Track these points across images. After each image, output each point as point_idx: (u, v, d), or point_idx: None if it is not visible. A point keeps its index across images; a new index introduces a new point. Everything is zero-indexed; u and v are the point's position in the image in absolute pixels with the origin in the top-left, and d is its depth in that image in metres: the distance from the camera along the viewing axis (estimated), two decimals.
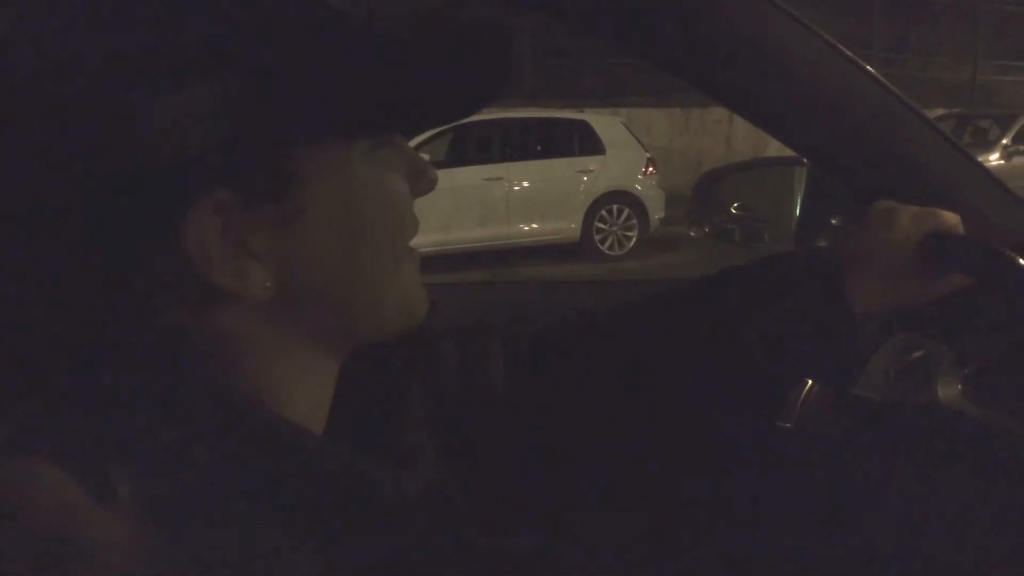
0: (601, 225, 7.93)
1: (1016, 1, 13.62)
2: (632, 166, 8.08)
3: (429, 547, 0.43)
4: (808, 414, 0.87)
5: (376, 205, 0.45)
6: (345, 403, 0.50)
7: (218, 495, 0.37)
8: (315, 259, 0.43)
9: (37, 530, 0.32)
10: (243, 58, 0.39)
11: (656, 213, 8.07)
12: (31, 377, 0.39)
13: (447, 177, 7.03)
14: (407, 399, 0.56)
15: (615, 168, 7.98)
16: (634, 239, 8.00)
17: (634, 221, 7.99)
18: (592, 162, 7.94)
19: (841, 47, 0.77)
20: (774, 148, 0.96)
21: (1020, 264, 0.63)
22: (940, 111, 11.15)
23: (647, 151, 8.28)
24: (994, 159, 9.57)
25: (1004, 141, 9.97)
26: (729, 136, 11.68)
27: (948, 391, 0.76)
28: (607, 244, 7.96)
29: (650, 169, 8.11)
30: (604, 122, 8.35)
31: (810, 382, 0.88)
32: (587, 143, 7.99)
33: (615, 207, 7.95)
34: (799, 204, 1.14)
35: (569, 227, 7.85)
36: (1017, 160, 9.67)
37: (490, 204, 7.57)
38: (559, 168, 7.88)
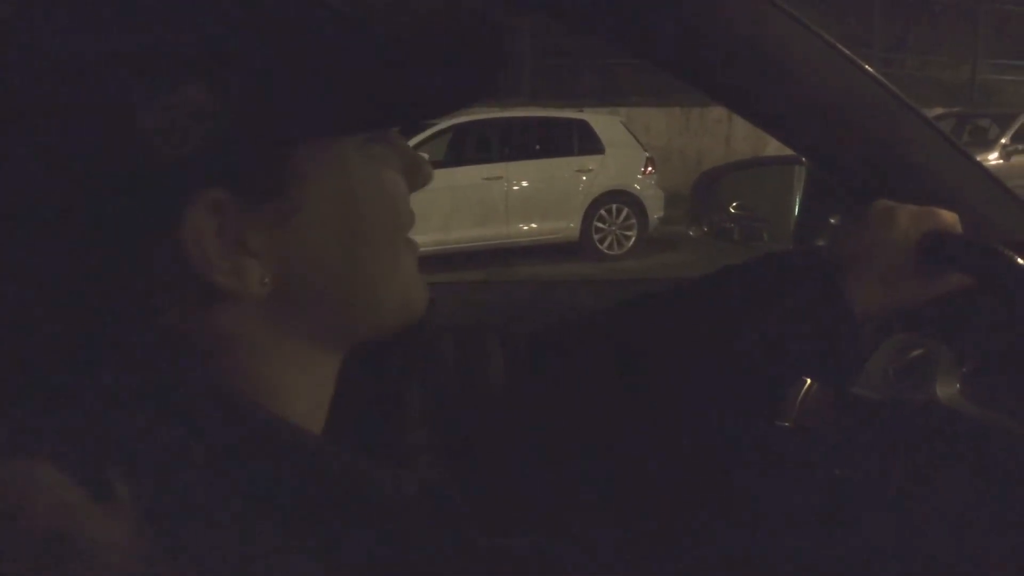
0: (600, 224, 7.93)
1: (1016, 1, 13.62)
2: (631, 165, 8.08)
3: (429, 547, 0.43)
4: (807, 413, 0.87)
5: (373, 201, 0.45)
6: (344, 403, 0.50)
7: (218, 495, 0.37)
8: (313, 256, 0.43)
9: (37, 530, 0.32)
10: (242, 58, 0.39)
11: (655, 212, 8.07)
12: (31, 377, 0.39)
13: (446, 177, 7.05)
14: (406, 399, 0.56)
15: (614, 168, 7.98)
16: (633, 238, 8.01)
17: (633, 220, 7.99)
18: (591, 162, 7.94)
19: (841, 47, 0.78)
20: (774, 148, 0.96)
21: (1019, 263, 0.63)
22: (939, 110, 11.16)
23: (646, 150, 8.29)
24: (993, 158, 9.57)
25: (1003, 140, 9.97)
26: (728, 136, 11.68)
27: (947, 390, 0.76)
28: (606, 243, 7.96)
29: (649, 169, 8.12)
30: (603, 122, 8.36)
31: (809, 381, 0.88)
32: (586, 143, 8.00)
33: (614, 206, 7.95)
34: (798, 203, 1.14)
35: (568, 226, 7.86)
36: (1016, 159, 9.67)
37: (489, 204, 7.57)
38: (558, 168, 7.88)
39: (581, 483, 0.90)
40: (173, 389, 0.39)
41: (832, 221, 1.07)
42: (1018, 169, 8.82)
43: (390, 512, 0.42)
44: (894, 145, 0.80)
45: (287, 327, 0.44)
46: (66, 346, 0.40)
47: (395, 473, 0.45)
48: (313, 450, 0.42)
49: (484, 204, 7.54)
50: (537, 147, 8.02)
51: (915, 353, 0.80)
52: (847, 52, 0.78)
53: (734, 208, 1.31)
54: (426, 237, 6.57)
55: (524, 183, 7.71)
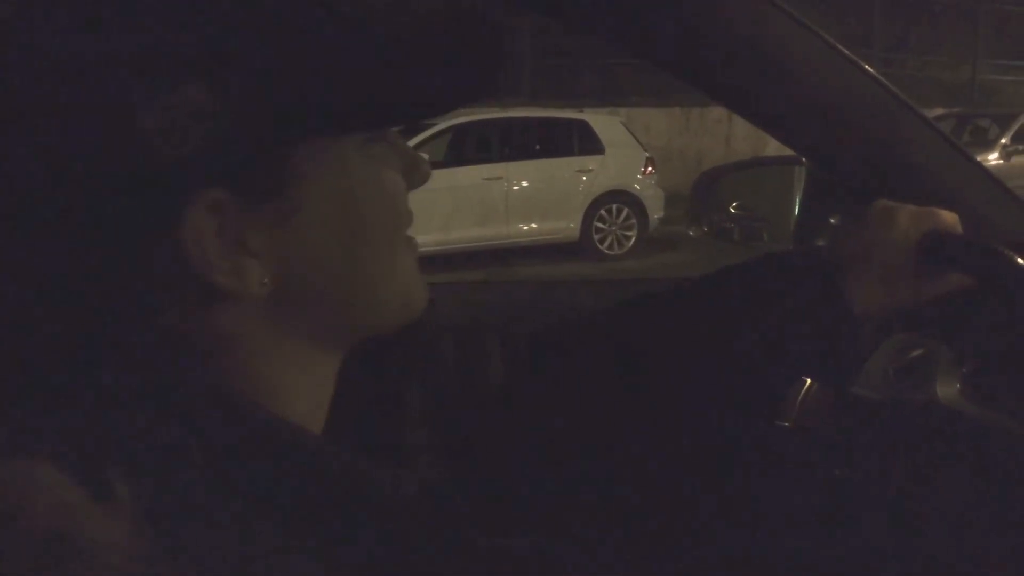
0: (600, 225, 7.93)
1: (1016, 1, 13.62)
2: (631, 166, 8.08)
3: (429, 547, 0.43)
4: (807, 413, 0.87)
5: (372, 200, 0.45)
6: (344, 403, 0.50)
7: (217, 495, 0.37)
8: (313, 256, 0.43)
9: (37, 530, 0.32)
10: (242, 58, 0.39)
11: (655, 212, 8.08)
12: (31, 377, 0.39)
13: (446, 177, 7.05)
14: (406, 399, 0.56)
15: (614, 168, 7.99)
16: (633, 238, 8.01)
17: (633, 221, 7.99)
18: (591, 162, 7.94)
19: (841, 47, 0.78)
20: (774, 147, 0.96)
21: (1018, 264, 0.63)
22: (940, 111, 11.16)
23: (646, 150, 8.29)
24: (993, 159, 9.57)
25: (1003, 141, 9.97)
26: (729, 136, 11.68)
27: (947, 390, 0.76)
28: (606, 244, 7.96)
29: (649, 169, 8.12)
30: (603, 122, 8.36)
31: (809, 381, 0.88)
32: (586, 143, 8.00)
33: (614, 207, 7.95)
34: (798, 203, 1.14)
35: (568, 227, 7.86)
36: (1016, 159, 9.67)
37: (489, 204, 7.57)
38: (558, 168, 7.88)
39: (581, 483, 0.90)
40: (173, 389, 0.39)
41: (832, 221, 1.07)
42: (1018, 169, 8.82)
43: (390, 512, 0.42)
44: (894, 145, 0.80)
45: (287, 327, 0.44)
46: (66, 346, 0.40)
47: (395, 473, 0.45)
48: (313, 450, 0.42)
49: (484, 204, 7.54)
50: (537, 147, 8.03)
51: (915, 353, 0.80)
52: (847, 52, 0.78)
53: (734, 208, 1.31)
54: (426, 237, 6.57)
55: (524, 183, 7.71)
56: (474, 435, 0.68)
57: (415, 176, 0.50)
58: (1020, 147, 9.89)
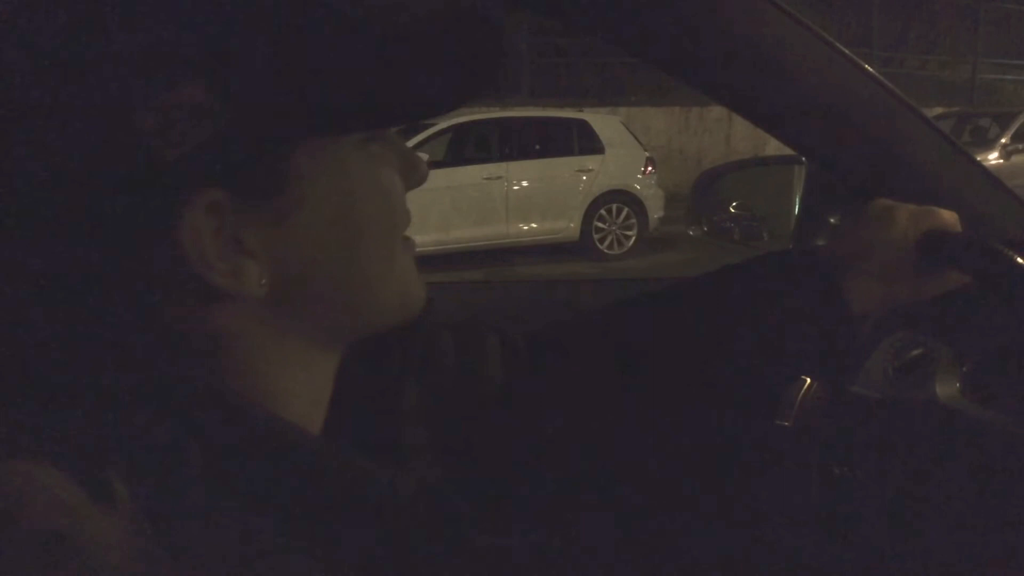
0: (600, 224, 7.93)
1: (1016, 0, 13.62)
2: (631, 165, 8.08)
3: (427, 546, 0.43)
4: (807, 413, 0.87)
5: (370, 199, 0.46)
6: (343, 401, 0.50)
7: (217, 495, 0.37)
8: (311, 255, 0.43)
9: (36, 530, 0.32)
10: (242, 58, 0.39)
11: (655, 212, 8.08)
12: (30, 377, 0.39)
13: (446, 176, 7.04)
14: (405, 398, 0.56)
15: (614, 167, 7.98)
16: (633, 238, 8.01)
17: (633, 220, 7.99)
18: (591, 161, 7.94)
19: (841, 47, 0.78)
20: (773, 147, 0.96)
21: (1018, 263, 0.63)
22: (939, 110, 11.16)
23: (646, 150, 8.29)
24: (993, 158, 9.56)
25: (1003, 140, 9.96)
26: (729, 135, 11.69)
27: (946, 389, 0.76)
28: (606, 243, 7.96)
29: (649, 168, 8.12)
30: (603, 121, 8.36)
31: (809, 381, 0.88)
32: (586, 142, 8.00)
33: (614, 206, 7.95)
34: (798, 203, 1.14)
35: (568, 226, 7.86)
36: (1016, 159, 9.66)
37: (489, 203, 7.57)
38: (558, 167, 7.88)
39: (580, 483, 0.90)
40: (172, 389, 0.39)
41: (832, 221, 1.07)
42: (1018, 168, 8.82)
43: (389, 512, 0.42)
44: (894, 144, 0.80)
45: (285, 326, 0.44)
46: (65, 346, 0.40)
47: (394, 473, 0.45)
48: (312, 449, 0.42)
49: (484, 204, 7.54)
50: (537, 147, 8.02)
51: (915, 352, 0.80)
52: (847, 52, 0.78)
53: (734, 208, 1.31)
54: (426, 237, 6.58)
55: (524, 183, 7.71)
56: (473, 435, 0.68)
57: (413, 176, 0.50)
58: (1020, 146, 9.88)
